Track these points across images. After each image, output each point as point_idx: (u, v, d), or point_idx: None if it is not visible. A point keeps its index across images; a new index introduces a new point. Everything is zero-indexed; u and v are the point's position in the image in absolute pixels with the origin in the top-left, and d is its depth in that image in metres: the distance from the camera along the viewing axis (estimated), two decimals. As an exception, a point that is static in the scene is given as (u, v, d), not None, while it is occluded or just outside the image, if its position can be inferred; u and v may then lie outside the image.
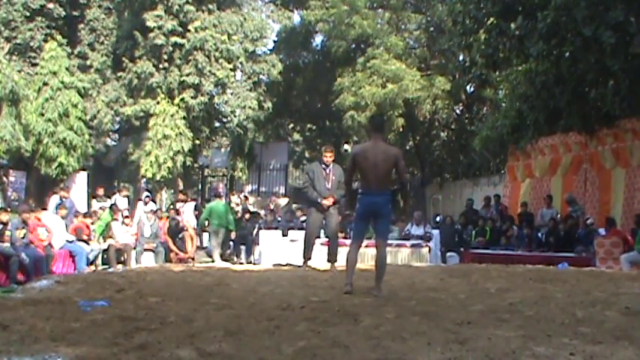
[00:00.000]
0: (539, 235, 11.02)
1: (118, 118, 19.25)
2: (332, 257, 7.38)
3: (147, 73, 16.96)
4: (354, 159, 5.09)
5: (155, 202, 14.90)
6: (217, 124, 20.62)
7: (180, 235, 11.14)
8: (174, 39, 16.94)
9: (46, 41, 16.88)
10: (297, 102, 22.52)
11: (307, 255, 7.44)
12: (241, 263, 11.26)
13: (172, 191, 19.04)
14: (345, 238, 9.36)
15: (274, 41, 20.93)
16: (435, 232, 11.54)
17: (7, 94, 14.16)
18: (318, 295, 4.91)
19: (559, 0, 8.79)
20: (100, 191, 12.94)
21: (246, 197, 17.17)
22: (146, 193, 14.03)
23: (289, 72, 21.02)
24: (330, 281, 5.79)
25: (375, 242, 5.20)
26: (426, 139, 21.94)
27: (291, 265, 8.12)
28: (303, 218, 13.23)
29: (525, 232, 10.95)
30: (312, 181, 7.23)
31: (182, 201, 13.18)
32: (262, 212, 14.43)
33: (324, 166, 7.26)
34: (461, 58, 14.11)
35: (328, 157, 7.25)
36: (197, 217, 12.74)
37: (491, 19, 10.40)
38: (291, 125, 25.05)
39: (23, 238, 8.48)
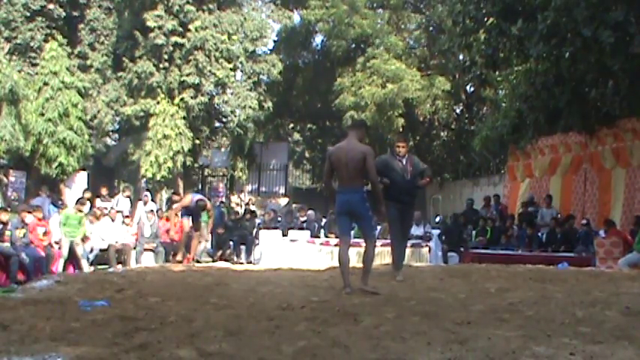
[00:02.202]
0: (539, 234, 11.03)
1: (118, 118, 19.23)
2: (398, 264, 6.41)
3: (147, 73, 16.96)
4: (329, 159, 5.25)
5: (155, 202, 14.88)
6: (217, 124, 20.61)
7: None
8: (174, 39, 16.94)
9: (46, 41, 16.87)
10: (297, 102, 22.53)
11: (398, 264, 6.43)
12: (241, 263, 11.26)
13: (172, 191, 19.06)
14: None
15: (274, 41, 20.93)
16: (435, 232, 11.54)
17: (7, 94, 14.15)
18: (318, 295, 4.91)
19: (559, 0, 8.78)
20: (104, 191, 12.95)
21: (250, 200, 17.22)
22: (145, 193, 14.00)
23: (289, 72, 21.02)
24: (330, 281, 5.79)
25: (364, 241, 5.34)
26: (426, 139, 21.94)
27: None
28: (303, 219, 13.24)
29: (527, 232, 10.94)
30: (381, 175, 6.04)
31: (176, 202, 13.15)
32: (261, 212, 14.43)
33: (398, 157, 6.40)
34: (461, 58, 14.10)
35: (401, 147, 6.41)
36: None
37: (491, 19, 10.39)
38: (291, 125, 25.06)
39: (23, 237, 8.48)
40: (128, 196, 13.57)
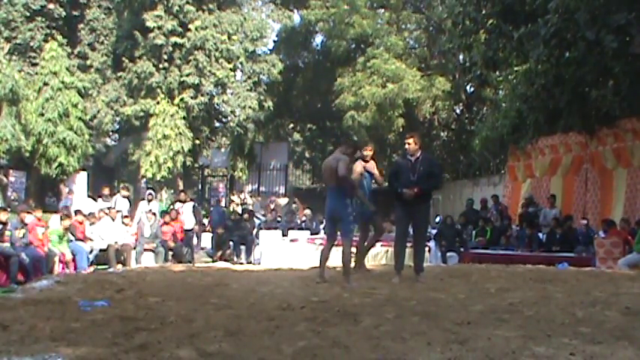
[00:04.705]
0: (539, 235, 11.02)
1: (118, 118, 19.24)
2: (417, 266, 6.23)
3: (147, 73, 16.97)
4: (323, 167, 6.28)
5: (156, 201, 14.82)
6: (217, 124, 20.62)
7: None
8: (174, 39, 16.95)
9: (46, 41, 16.89)
10: (297, 102, 22.55)
11: (397, 265, 6.23)
12: (241, 263, 11.25)
13: (172, 191, 19.05)
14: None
15: (274, 41, 20.95)
16: (435, 232, 11.51)
17: (7, 94, 14.16)
18: (318, 295, 4.91)
19: (559, 3, 8.73)
20: (106, 191, 12.93)
21: (244, 199, 17.20)
22: (148, 191, 13.94)
23: (289, 72, 21.05)
24: (330, 281, 5.79)
25: (341, 240, 5.97)
26: (426, 139, 21.92)
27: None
28: (303, 218, 13.24)
29: (527, 232, 10.92)
30: (395, 174, 6.21)
31: (181, 201, 13.13)
32: (261, 212, 14.43)
33: (409, 156, 6.17)
34: (461, 58, 14.10)
35: (407, 145, 6.17)
36: (195, 216, 12.66)
37: (491, 20, 10.38)
38: (291, 125, 25.07)
39: (23, 238, 8.47)
40: (126, 197, 13.56)
